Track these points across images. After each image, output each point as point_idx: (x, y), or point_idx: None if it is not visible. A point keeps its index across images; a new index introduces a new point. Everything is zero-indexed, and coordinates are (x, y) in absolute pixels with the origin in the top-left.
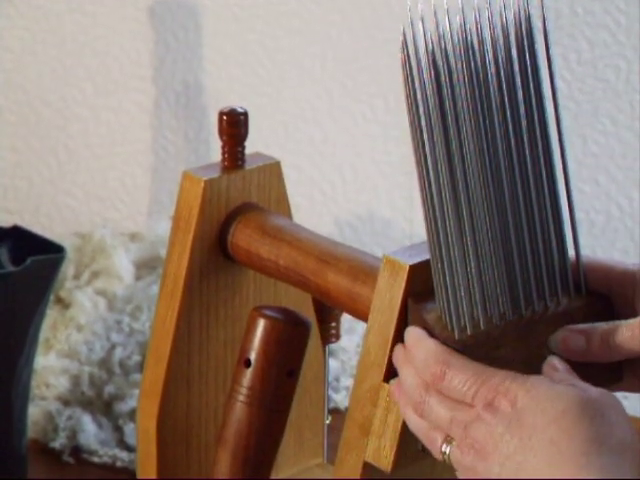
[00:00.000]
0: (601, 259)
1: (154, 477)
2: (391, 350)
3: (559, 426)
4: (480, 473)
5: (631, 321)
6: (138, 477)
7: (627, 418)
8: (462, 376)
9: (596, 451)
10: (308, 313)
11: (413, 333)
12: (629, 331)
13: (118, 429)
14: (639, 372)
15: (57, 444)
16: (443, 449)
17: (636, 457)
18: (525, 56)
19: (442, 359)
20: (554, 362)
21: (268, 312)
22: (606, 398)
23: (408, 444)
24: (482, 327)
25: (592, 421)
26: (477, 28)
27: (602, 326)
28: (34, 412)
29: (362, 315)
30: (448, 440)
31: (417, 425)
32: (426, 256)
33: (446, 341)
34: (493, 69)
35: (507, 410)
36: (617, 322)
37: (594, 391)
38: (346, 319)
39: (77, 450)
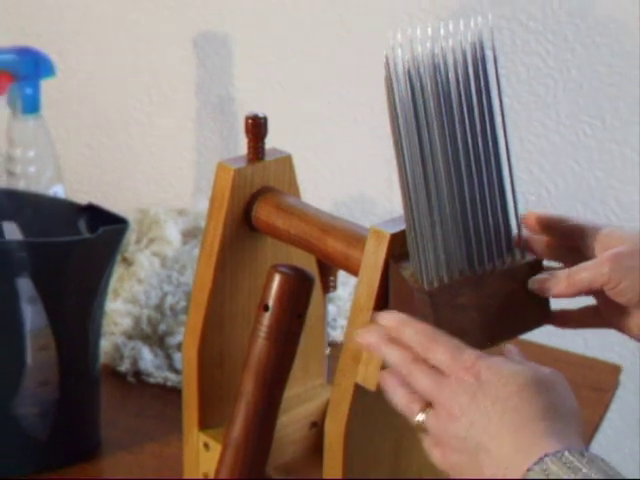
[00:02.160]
0: (575, 218)
1: (196, 394)
2: (376, 298)
3: (520, 397)
4: (449, 434)
5: (588, 263)
6: (183, 395)
7: (571, 390)
8: (444, 349)
9: (552, 417)
10: (312, 270)
11: (397, 316)
12: (585, 271)
13: (169, 357)
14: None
15: (123, 368)
16: (418, 418)
17: (581, 423)
18: (479, 76)
19: (431, 335)
20: (509, 347)
21: (282, 269)
22: (555, 375)
23: None
24: (445, 281)
25: (547, 393)
26: (442, 54)
27: (566, 270)
28: (105, 344)
29: (354, 271)
30: (425, 410)
31: (399, 397)
32: (403, 227)
33: (418, 291)
34: (454, 85)
35: (471, 381)
36: (577, 265)
37: (545, 369)
38: (341, 274)
39: (138, 373)
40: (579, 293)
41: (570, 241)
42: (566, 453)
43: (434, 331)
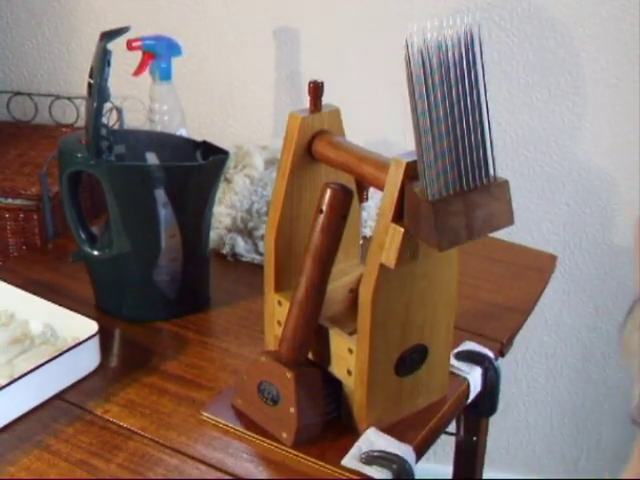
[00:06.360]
0: None
1: (273, 268)
2: (395, 207)
3: None
4: None
5: None
6: (265, 269)
7: None
8: None
9: None
10: (352, 186)
11: None
12: None
13: (255, 244)
14: None
15: (224, 251)
16: None
17: None
18: (468, 56)
19: None
20: None
21: (332, 185)
22: None
23: (403, 254)
24: (443, 195)
25: None
26: (444, 40)
27: None
28: (213, 235)
29: (380, 188)
30: None
31: None
32: (414, 157)
33: (424, 202)
34: (452, 62)
35: None
36: None
37: None
38: (371, 190)
39: (235, 255)
40: None
41: None
42: None
43: None
